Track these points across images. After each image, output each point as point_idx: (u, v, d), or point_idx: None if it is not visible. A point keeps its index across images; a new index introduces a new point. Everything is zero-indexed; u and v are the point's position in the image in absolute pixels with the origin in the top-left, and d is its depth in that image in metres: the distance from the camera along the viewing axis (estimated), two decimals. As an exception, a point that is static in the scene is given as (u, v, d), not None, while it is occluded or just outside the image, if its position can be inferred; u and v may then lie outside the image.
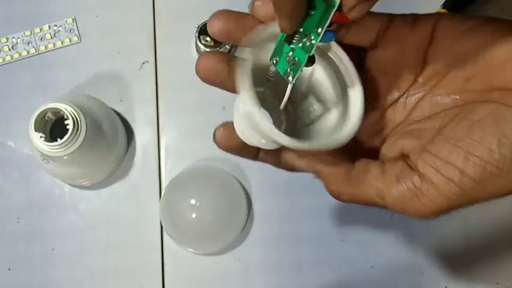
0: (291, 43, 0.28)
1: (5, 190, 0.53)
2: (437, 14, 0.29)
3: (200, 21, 0.53)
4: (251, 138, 0.31)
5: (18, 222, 0.53)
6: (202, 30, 0.53)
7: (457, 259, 0.53)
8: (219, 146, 0.32)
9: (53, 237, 0.53)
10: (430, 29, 0.29)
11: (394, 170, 0.29)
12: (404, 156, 0.30)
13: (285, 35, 0.28)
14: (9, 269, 0.52)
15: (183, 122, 0.55)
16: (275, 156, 0.32)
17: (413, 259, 0.53)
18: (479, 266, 0.53)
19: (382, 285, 0.53)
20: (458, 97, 0.29)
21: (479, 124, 0.27)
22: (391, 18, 0.29)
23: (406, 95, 0.31)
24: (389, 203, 0.28)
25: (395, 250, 0.53)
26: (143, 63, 0.56)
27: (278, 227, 0.53)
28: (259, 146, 0.31)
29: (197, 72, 0.30)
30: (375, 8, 0.26)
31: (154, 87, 0.55)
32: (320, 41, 0.26)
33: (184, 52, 0.56)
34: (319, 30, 0.26)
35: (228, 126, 0.31)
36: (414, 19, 0.29)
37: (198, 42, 0.53)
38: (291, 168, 0.32)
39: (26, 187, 0.53)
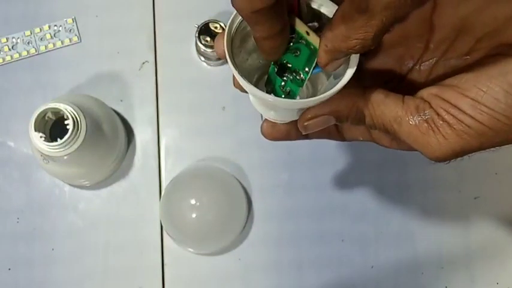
0: (282, 76, 0.30)
1: (5, 190, 0.53)
2: None
3: (200, 21, 0.53)
4: (265, 114, 0.32)
5: (18, 222, 0.53)
6: (202, 30, 0.53)
7: (457, 259, 0.53)
8: (266, 137, 0.33)
9: (53, 237, 0.53)
10: None
11: (415, 101, 0.29)
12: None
13: (276, 69, 0.30)
14: (9, 269, 0.52)
15: (183, 122, 0.55)
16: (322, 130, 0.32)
17: (413, 259, 0.53)
18: (479, 266, 0.53)
19: (382, 285, 0.53)
20: (469, 57, 0.30)
21: (485, 75, 0.27)
22: None
23: (419, 62, 0.32)
24: (405, 132, 0.28)
25: (395, 250, 0.53)
26: (143, 63, 0.56)
27: (278, 227, 0.53)
28: (276, 119, 0.32)
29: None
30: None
31: (155, 87, 0.55)
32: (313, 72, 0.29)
33: (184, 52, 0.56)
34: (307, 69, 0.29)
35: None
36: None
37: (198, 42, 0.53)
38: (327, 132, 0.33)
39: (26, 187, 0.53)
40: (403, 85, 0.32)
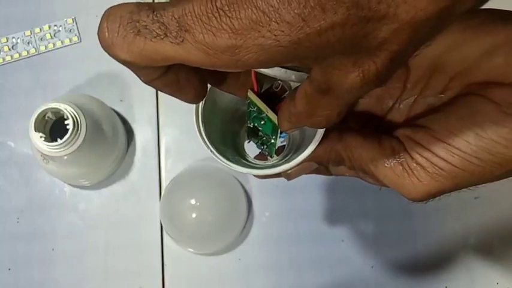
0: (256, 137, 0.33)
1: (5, 190, 0.53)
2: None
3: (200, 21, 0.53)
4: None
5: (18, 222, 0.53)
6: (202, 30, 0.53)
7: (457, 259, 0.53)
8: (256, 177, 0.34)
9: (53, 237, 0.53)
10: None
11: (390, 143, 0.29)
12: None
13: (248, 131, 0.33)
14: (9, 269, 0.52)
15: (183, 122, 0.55)
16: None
17: (413, 259, 0.53)
18: (479, 266, 0.53)
19: (382, 285, 0.53)
20: (443, 95, 0.30)
21: (455, 116, 0.27)
22: None
23: (398, 101, 0.32)
24: (381, 174, 0.29)
25: (395, 250, 0.53)
26: (143, 63, 0.56)
27: (278, 227, 0.53)
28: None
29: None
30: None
31: (154, 87, 0.55)
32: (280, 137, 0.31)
33: (184, 52, 0.56)
34: (274, 137, 0.31)
35: None
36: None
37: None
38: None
39: (26, 187, 0.53)
40: (383, 124, 0.33)
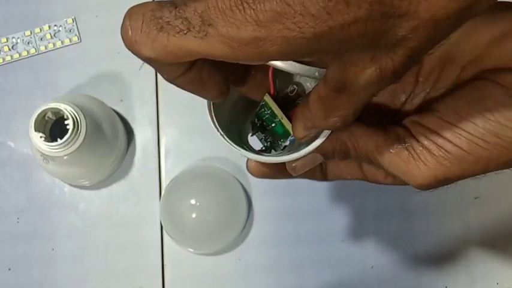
0: (264, 131, 0.33)
1: (5, 190, 0.53)
2: None
3: (200, 21, 0.53)
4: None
5: (18, 222, 0.53)
6: (202, 30, 0.53)
7: (457, 259, 0.53)
8: (253, 175, 0.34)
9: (53, 237, 0.53)
10: None
11: (396, 130, 0.29)
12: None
13: (253, 126, 0.33)
14: (9, 269, 0.52)
15: (183, 122, 0.55)
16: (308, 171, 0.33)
17: (413, 259, 0.53)
18: (479, 266, 0.53)
19: (382, 285, 0.53)
20: (455, 87, 0.30)
21: (464, 99, 0.27)
22: None
23: (411, 95, 0.32)
24: (387, 161, 0.29)
25: (395, 250, 0.53)
26: (143, 63, 0.56)
27: (278, 227, 0.53)
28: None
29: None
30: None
31: (154, 87, 0.55)
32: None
33: (184, 52, 0.56)
34: (282, 140, 0.31)
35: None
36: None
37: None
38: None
39: (26, 187, 0.53)
40: (397, 119, 0.33)
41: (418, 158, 0.28)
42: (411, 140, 0.28)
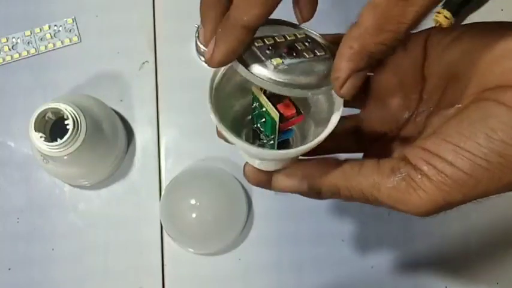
0: (259, 138, 0.32)
1: (5, 190, 0.53)
2: (427, 30, 0.31)
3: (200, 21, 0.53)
4: (250, 161, 0.32)
5: (18, 222, 0.53)
6: (202, 30, 0.53)
7: (457, 259, 0.53)
8: (249, 181, 0.33)
9: (53, 237, 0.53)
10: (421, 46, 0.30)
11: (390, 163, 0.29)
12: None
13: (253, 133, 0.32)
14: (9, 269, 0.52)
15: (183, 122, 0.55)
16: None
17: (413, 259, 0.53)
18: (479, 266, 0.53)
19: (382, 285, 0.53)
20: (460, 105, 0.30)
21: (468, 120, 0.27)
22: None
23: (415, 113, 0.32)
24: (385, 195, 0.28)
25: (395, 250, 0.53)
26: (143, 63, 0.56)
27: (278, 227, 0.53)
28: (262, 168, 0.32)
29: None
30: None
31: (154, 87, 0.55)
32: (279, 139, 0.31)
33: (184, 52, 0.56)
34: (273, 136, 0.30)
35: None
36: (405, 39, 0.30)
37: (198, 42, 0.53)
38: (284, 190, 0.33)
39: (26, 187, 0.53)
40: (398, 138, 0.33)
41: (417, 186, 0.27)
42: (408, 168, 0.28)
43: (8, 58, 0.55)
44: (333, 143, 0.31)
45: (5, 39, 0.55)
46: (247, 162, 0.33)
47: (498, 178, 0.26)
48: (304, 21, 0.29)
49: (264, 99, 0.29)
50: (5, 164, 0.54)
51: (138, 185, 0.54)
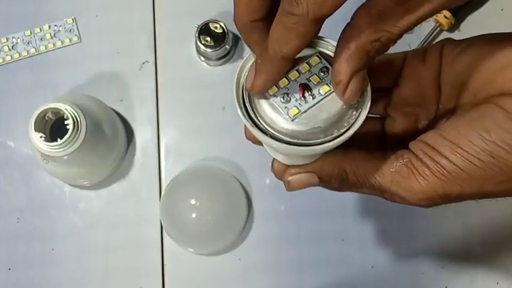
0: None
1: (5, 190, 0.53)
2: (441, 42, 0.32)
3: (200, 21, 0.53)
4: (276, 156, 0.33)
5: (18, 222, 0.53)
6: (202, 30, 0.53)
7: (457, 259, 0.53)
8: (276, 176, 0.34)
9: (53, 237, 0.53)
10: (437, 57, 0.31)
11: (394, 152, 0.30)
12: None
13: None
14: (9, 269, 0.52)
15: (183, 122, 0.55)
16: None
17: (413, 259, 0.53)
18: (479, 266, 0.53)
19: (382, 285, 0.53)
20: None
21: (465, 118, 0.28)
22: (403, 56, 0.32)
23: (433, 122, 0.33)
24: (388, 181, 0.30)
25: (395, 250, 0.53)
26: (143, 63, 0.56)
27: (278, 227, 0.53)
28: (285, 162, 0.33)
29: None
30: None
31: (154, 87, 0.55)
32: None
33: (184, 52, 0.56)
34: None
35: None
36: (423, 52, 0.32)
37: (198, 42, 0.53)
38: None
39: (26, 187, 0.53)
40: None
41: (418, 173, 0.29)
42: (410, 155, 0.29)
43: (8, 58, 0.55)
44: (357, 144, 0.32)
45: (5, 39, 0.55)
46: (274, 159, 0.33)
47: (490, 176, 0.27)
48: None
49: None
50: (5, 164, 0.54)
51: (138, 185, 0.54)
